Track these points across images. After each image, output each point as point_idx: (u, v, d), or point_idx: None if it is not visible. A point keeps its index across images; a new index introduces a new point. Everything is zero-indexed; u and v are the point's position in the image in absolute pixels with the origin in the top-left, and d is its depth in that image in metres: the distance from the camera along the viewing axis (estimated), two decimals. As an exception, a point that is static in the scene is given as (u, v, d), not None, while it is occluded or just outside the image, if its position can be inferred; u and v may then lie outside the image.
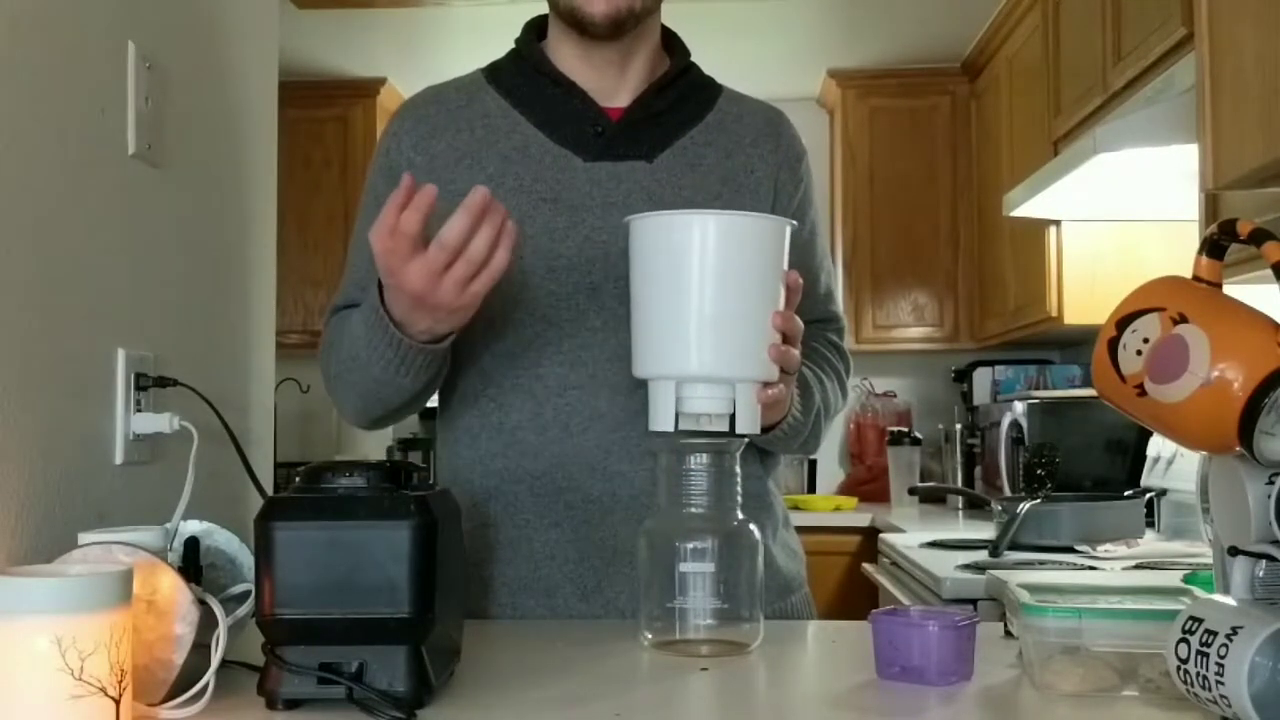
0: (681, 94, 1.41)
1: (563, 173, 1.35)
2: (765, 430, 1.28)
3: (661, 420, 1.16)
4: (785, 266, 1.18)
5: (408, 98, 1.45)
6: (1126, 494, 2.71)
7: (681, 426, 1.15)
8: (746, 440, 1.22)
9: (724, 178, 1.39)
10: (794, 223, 1.20)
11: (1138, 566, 2.26)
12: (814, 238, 1.48)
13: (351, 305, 1.34)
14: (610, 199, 1.34)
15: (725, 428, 1.15)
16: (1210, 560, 0.98)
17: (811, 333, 1.43)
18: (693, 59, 1.45)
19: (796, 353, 1.20)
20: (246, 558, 1.12)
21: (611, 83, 1.38)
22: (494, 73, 1.43)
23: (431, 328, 1.19)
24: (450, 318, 1.17)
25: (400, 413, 1.36)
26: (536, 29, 1.44)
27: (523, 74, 1.40)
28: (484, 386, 1.36)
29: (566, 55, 1.38)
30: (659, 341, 1.16)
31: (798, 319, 1.19)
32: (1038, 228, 3.22)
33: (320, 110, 4.30)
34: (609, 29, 1.32)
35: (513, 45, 1.44)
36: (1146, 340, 0.90)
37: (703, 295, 1.13)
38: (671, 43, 1.45)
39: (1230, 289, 0.93)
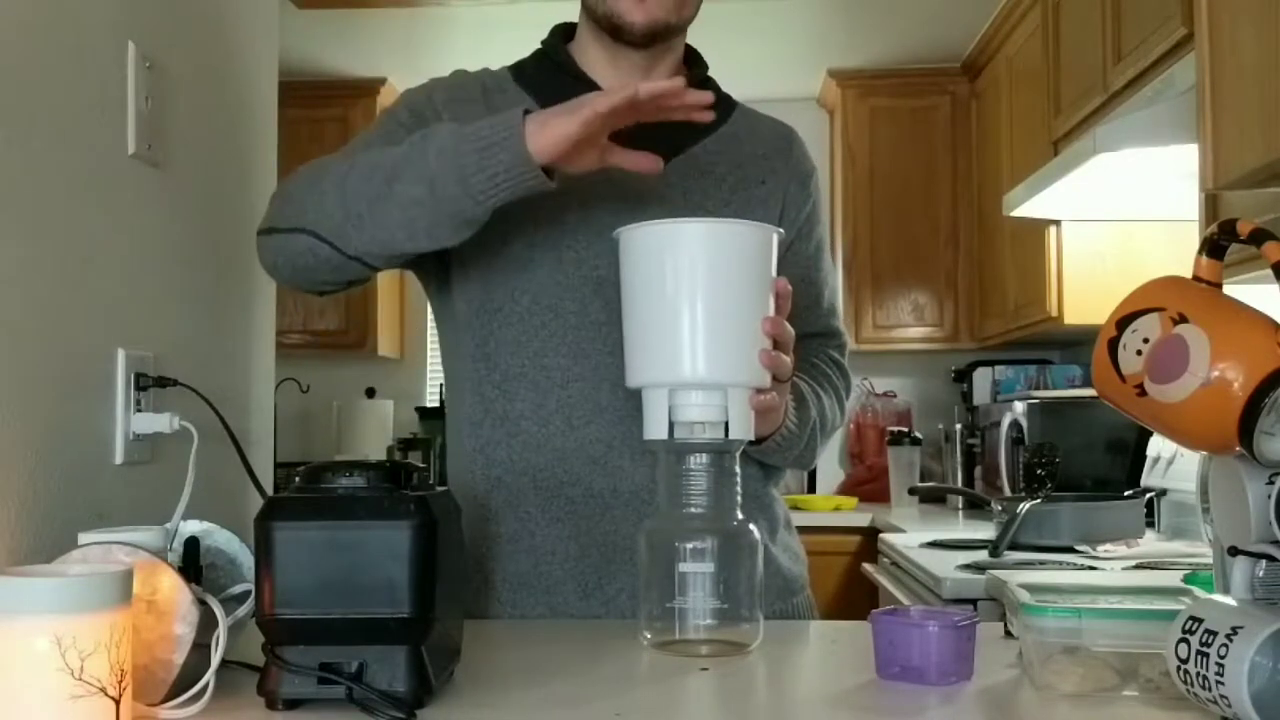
0: None
1: None
2: (760, 441, 1.28)
3: (655, 429, 1.16)
4: (774, 273, 1.18)
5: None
6: (1126, 494, 2.71)
7: (676, 435, 1.16)
8: (746, 440, 1.22)
9: (734, 186, 1.40)
10: (780, 230, 1.21)
11: (1138, 566, 2.26)
12: (820, 253, 1.49)
13: None
14: (621, 195, 1.34)
15: (720, 435, 1.15)
16: (1210, 560, 0.98)
17: (813, 348, 1.44)
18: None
19: (788, 359, 1.20)
20: (246, 558, 1.12)
21: None
22: (520, 69, 1.45)
23: (535, 119, 1.15)
24: (547, 127, 1.14)
25: (327, 284, 1.32)
26: (563, 34, 1.46)
27: (547, 72, 1.42)
28: (488, 372, 1.37)
29: (593, 58, 1.40)
30: (650, 350, 1.17)
31: (788, 326, 1.19)
32: (1038, 228, 3.22)
33: (320, 110, 4.29)
34: (645, 39, 1.34)
35: (539, 46, 1.46)
36: (1146, 340, 0.90)
37: (692, 302, 1.14)
38: (691, 56, 1.47)
39: (1230, 289, 0.93)
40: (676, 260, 1.15)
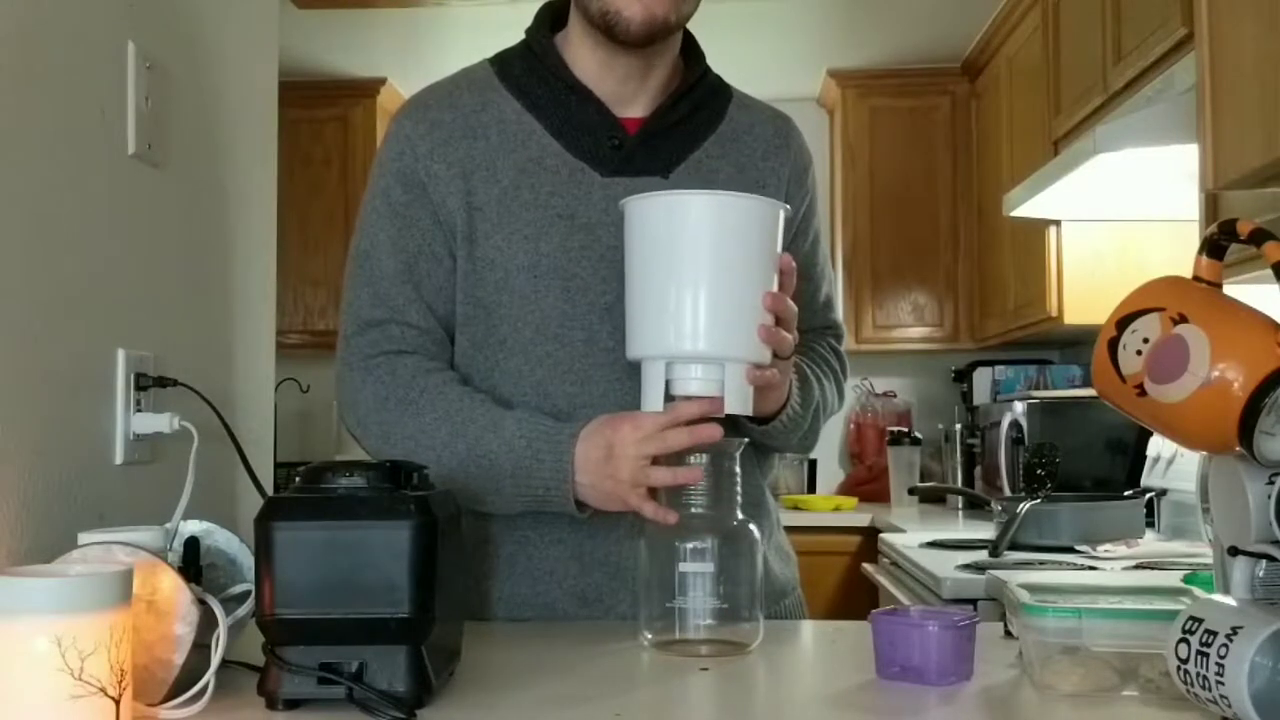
0: (696, 104, 1.38)
1: (579, 188, 1.32)
2: (765, 421, 1.28)
3: (652, 402, 1.16)
4: (779, 250, 1.18)
5: (414, 94, 1.39)
6: (1126, 494, 2.71)
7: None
8: (746, 441, 1.22)
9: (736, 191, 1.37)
10: (787, 206, 1.21)
11: (1138, 566, 2.26)
12: (816, 247, 1.47)
13: (386, 321, 1.32)
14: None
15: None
16: (1210, 560, 0.98)
17: (812, 338, 1.43)
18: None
19: (789, 336, 1.19)
20: (246, 558, 1.12)
21: (630, 91, 1.35)
22: (504, 67, 1.38)
23: (584, 478, 1.21)
24: (602, 481, 1.20)
25: None
26: (550, 19, 1.38)
27: (535, 73, 1.35)
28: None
29: (585, 59, 1.34)
30: (650, 322, 1.17)
31: (790, 302, 1.19)
32: (1038, 228, 3.22)
33: (320, 110, 4.30)
34: (643, 39, 1.28)
35: (523, 36, 1.39)
36: (1146, 340, 0.90)
37: (695, 275, 1.14)
38: (687, 44, 1.41)
39: (1230, 289, 0.93)
40: (681, 232, 1.15)
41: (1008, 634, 1.19)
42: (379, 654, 0.93)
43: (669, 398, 1.16)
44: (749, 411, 1.18)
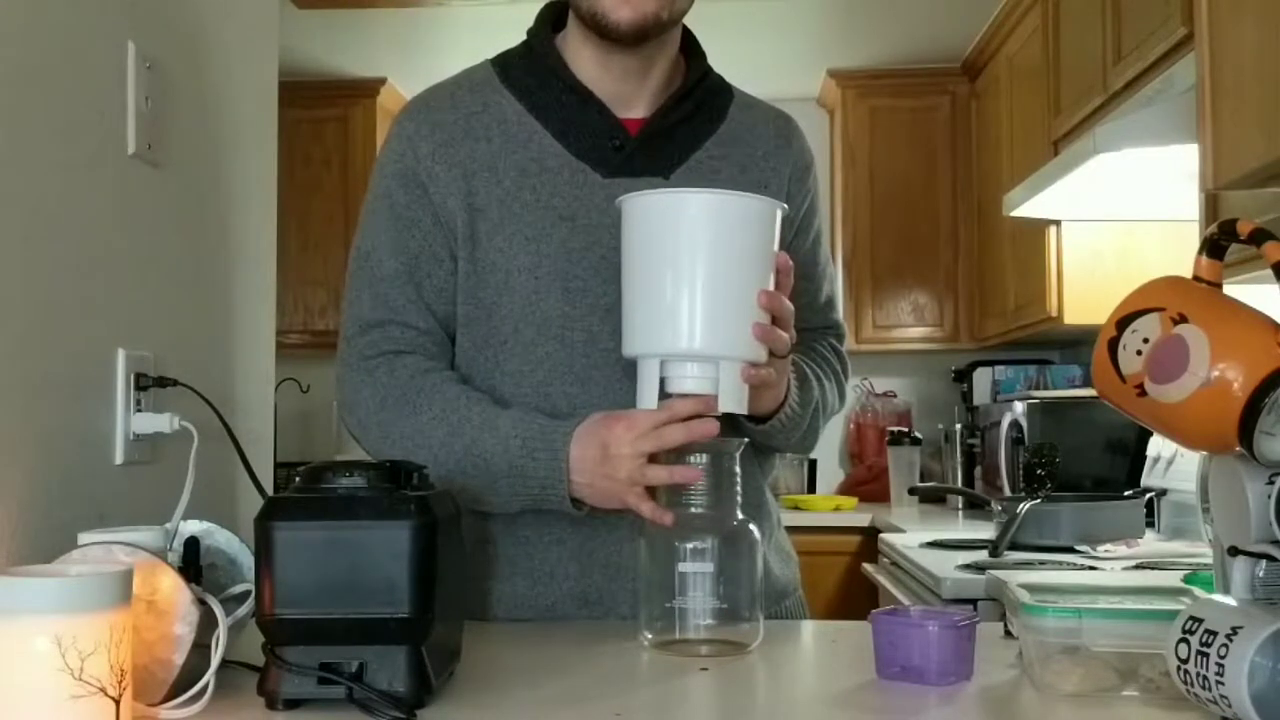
0: (697, 104, 1.37)
1: (580, 189, 1.31)
2: (763, 420, 1.28)
3: (646, 400, 1.17)
4: (775, 248, 1.18)
5: (416, 95, 1.39)
6: (1126, 494, 2.71)
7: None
8: (746, 441, 1.22)
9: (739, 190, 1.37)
10: (784, 205, 1.20)
11: (1138, 566, 2.26)
12: (817, 247, 1.47)
13: (386, 322, 1.32)
14: None
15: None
16: (1210, 560, 0.98)
17: (813, 338, 1.43)
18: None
19: (785, 335, 1.19)
20: (246, 558, 1.11)
21: (630, 91, 1.34)
22: (505, 68, 1.38)
23: (580, 477, 1.21)
24: (598, 480, 1.19)
25: None
26: (551, 19, 1.38)
27: (536, 74, 1.35)
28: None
29: (585, 59, 1.34)
30: (645, 320, 1.17)
31: (786, 301, 1.19)
32: (1038, 228, 3.22)
33: (320, 110, 4.30)
34: (634, 38, 1.28)
35: (525, 36, 1.39)
36: (1146, 340, 0.90)
37: (691, 273, 1.14)
38: (688, 43, 1.40)
39: (1230, 289, 0.93)
40: (677, 230, 1.15)
41: (1008, 634, 1.19)
42: (379, 654, 0.93)
43: (664, 396, 1.17)
44: (744, 410, 1.18)
